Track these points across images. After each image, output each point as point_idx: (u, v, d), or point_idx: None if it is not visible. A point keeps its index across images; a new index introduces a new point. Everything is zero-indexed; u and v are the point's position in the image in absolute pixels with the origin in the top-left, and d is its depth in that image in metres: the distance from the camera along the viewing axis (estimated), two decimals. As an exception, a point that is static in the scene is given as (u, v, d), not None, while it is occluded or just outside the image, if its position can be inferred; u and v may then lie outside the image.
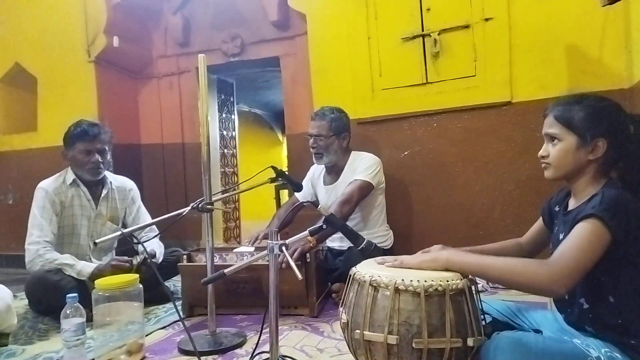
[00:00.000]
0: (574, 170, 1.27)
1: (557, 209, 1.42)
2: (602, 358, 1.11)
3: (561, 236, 1.30)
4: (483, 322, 1.28)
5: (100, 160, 2.42)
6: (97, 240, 1.67)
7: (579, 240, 1.13)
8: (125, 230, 1.75)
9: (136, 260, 2.27)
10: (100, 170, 2.45)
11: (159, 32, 4.22)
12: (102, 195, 2.54)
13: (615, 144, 1.23)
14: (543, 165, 1.33)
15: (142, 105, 4.33)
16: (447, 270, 1.26)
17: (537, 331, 1.37)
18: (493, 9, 2.88)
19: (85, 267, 2.25)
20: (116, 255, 2.60)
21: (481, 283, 1.30)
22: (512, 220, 2.86)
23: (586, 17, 2.66)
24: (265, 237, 2.55)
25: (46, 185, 2.42)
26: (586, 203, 1.21)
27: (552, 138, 1.29)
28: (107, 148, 2.47)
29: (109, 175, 2.61)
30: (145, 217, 2.65)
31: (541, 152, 1.32)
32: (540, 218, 1.52)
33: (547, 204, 1.48)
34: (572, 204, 1.33)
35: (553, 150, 1.28)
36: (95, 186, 2.53)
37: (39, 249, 2.27)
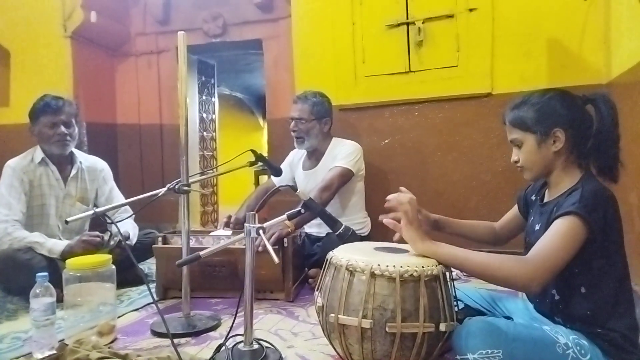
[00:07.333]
0: (545, 167, 1.30)
1: (533, 197, 1.45)
2: (570, 344, 1.14)
3: (537, 227, 1.32)
4: (456, 309, 1.30)
5: (65, 132, 2.36)
6: (68, 219, 1.63)
7: (557, 237, 1.14)
8: (98, 210, 1.71)
9: (107, 236, 2.23)
10: (67, 142, 2.39)
11: (138, 8, 4.12)
12: (72, 175, 2.48)
13: (573, 130, 1.25)
14: (519, 169, 1.36)
15: (119, 83, 4.23)
16: (424, 256, 1.28)
17: (509, 318, 1.40)
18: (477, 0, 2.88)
19: (56, 245, 2.20)
20: (89, 235, 2.55)
21: (455, 271, 1.32)
22: (488, 211, 2.89)
23: (568, 12, 2.69)
24: (238, 221, 2.53)
25: (14, 163, 2.36)
26: (565, 197, 1.22)
27: (516, 143, 1.33)
28: (73, 121, 2.42)
29: (79, 155, 2.55)
30: (119, 199, 2.59)
31: (512, 158, 1.36)
32: (516, 205, 1.55)
33: (524, 193, 1.51)
34: (548, 195, 1.35)
35: (521, 154, 1.33)
36: (64, 165, 2.48)
37: (7, 227, 2.21)
